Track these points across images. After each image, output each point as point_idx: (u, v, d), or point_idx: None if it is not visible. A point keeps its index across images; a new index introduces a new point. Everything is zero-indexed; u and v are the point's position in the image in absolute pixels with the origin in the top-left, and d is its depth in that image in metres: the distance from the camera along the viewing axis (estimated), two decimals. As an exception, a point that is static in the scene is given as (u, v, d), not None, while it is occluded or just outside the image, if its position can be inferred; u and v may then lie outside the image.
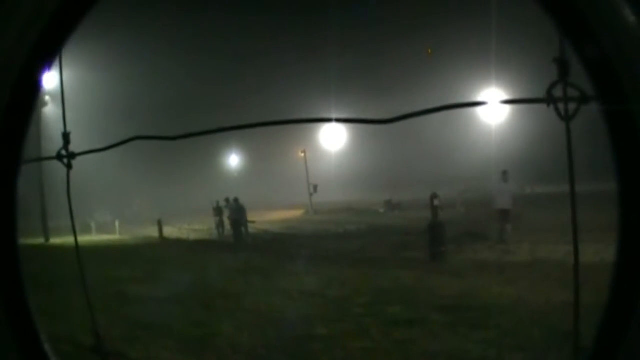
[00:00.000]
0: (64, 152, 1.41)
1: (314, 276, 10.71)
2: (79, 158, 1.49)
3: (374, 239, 18.53)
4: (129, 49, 50.45)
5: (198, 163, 63.65)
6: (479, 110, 40.56)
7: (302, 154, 48.79)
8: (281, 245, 19.13)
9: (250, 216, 22.13)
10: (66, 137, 1.43)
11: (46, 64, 1.30)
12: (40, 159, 1.60)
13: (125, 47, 50.04)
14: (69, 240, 25.11)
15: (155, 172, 60.17)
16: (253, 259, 14.54)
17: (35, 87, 1.32)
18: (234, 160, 70.51)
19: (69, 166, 1.42)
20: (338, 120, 1.37)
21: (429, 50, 55.31)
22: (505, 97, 38.88)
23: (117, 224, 33.27)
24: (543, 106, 1.03)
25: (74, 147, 1.55)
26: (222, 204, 25.32)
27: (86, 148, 1.51)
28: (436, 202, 14.18)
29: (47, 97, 30.14)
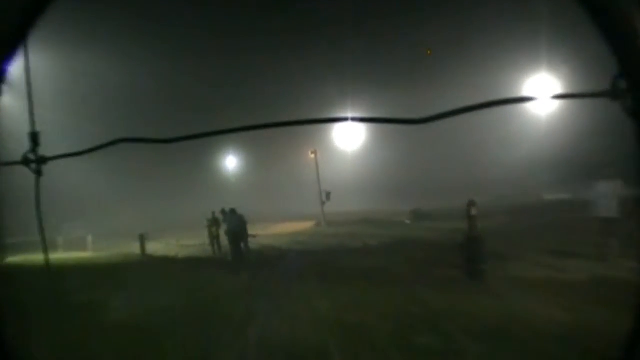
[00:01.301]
0: (31, 156, 1.37)
1: (328, 299, 10.71)
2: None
3: (399, 255, 18.45)
4: (109, 30, 50.95)
5: (188, 166, 63.76)
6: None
7: (312, 155, 48.33)
8: (289, 263, 19.11)
9: (252, 229, 22.06)
10: (35, 137, 1.38)
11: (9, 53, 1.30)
12: (2, 164, 1.49)
13: (104, 28, 50.56)
14: (29, 258, 25.32)
15: (136, 177, 60.41)
16: (255, 280, 14.57)
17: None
18: (231, 162, 70.04)
19: (38, 172, 1.37)
20: (356, 120, 1.42)
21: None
22: (557, 83, 38.81)
23: (89, 239, 33.27)
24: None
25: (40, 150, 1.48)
26: (218, 215, 25.20)
27: (53, 150, 1.44)
28: (474, 211, 14.07)
29: (2, 86, 30.41)
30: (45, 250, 1.58)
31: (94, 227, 39.89)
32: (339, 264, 17.74)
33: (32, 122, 1.44)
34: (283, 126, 1.38)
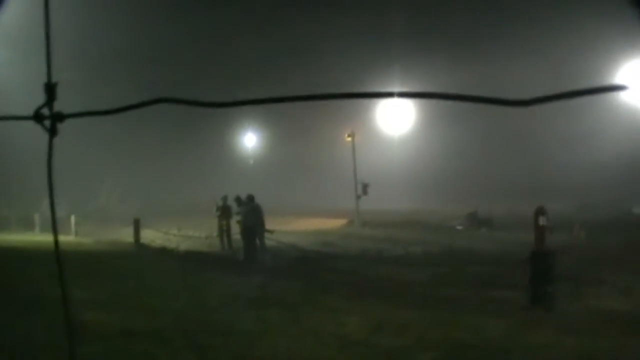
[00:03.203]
0: (45, 112, 1.35)
1: (358, 316, 10.72)
2: (20, 123, 1.44)
3: (448, 268, 18.39)
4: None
5: (200, 142, 63.90)
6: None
7: (349, 139, 47.88)
8: (313, 268, 19.14)
9: (270, 223, 22.01)
10: (51, 90, 1.35)
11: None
12: (8, 118, 1.53)
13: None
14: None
15: (136, 151, 60.81)
16: (271, 286, 14.63)
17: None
18: (249, 140, 69.73)
19: (52, 131, 1.36)
20: (404, 96, 1.33)
21: None
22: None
23: (72, 220, 33.31)
24: None
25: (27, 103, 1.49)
26: (231, 202, 24.92)
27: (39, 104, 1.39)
28: (542, 221, 13.92)
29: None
30: (55, 232, 1.63)
31: (77, 206, 40.13)
32: (373, 273, 17.74)
33: (49, 71, 1.39)
34: (321, 99, 1.38)
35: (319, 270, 18.50)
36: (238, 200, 22.80)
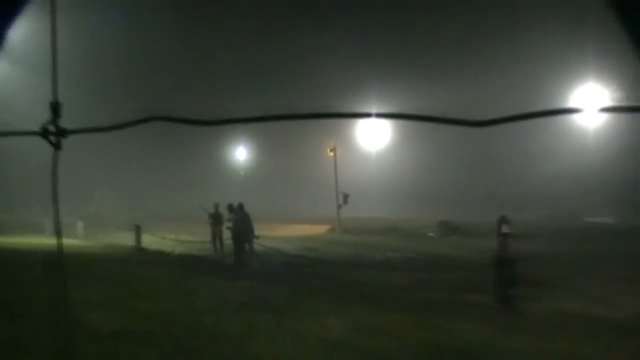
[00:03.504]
0: (51, 128, 1.38)
1: (340, 319, 10.55)
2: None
3: (422, 274, 18.35)
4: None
5: (193, 155, 64.03)
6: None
7: (331, 153, 48.22)
8: (297, 273, 19.03)
9: (259, 230, 21.97)
10: (56, 107, 1.39)
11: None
12: (17, 134, 1.57)
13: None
14: (8, 241, 25.50)
15: (133, 161, 60.79)
16: (259, 290, 14.45)
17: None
18: (240, 154, 70.30)
19: (57, 146, 1.39)
20: (381, 116, 1.43)
21: None
22: (606, 92, 38.71)
23: (80, 225, 33.66)
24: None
25: (32, 118, 1.53)
26: (222, 210, 25.09)
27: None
28: (505, 229, 13.82)
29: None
30: (59, 237, 1.75)
31: (79, 212, 40.12)
32: (354, 278, 17.63)
33: (55, 90, 1.44)
34: (304, 119, 1.42)
35: (303, 275, 18.47)
36: (230, 207, 22.83)
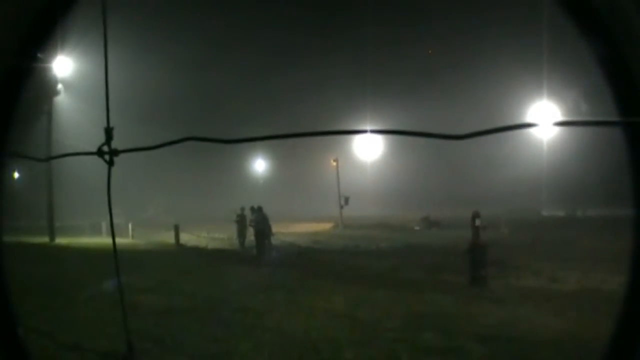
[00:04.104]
0: (105, 148, 1.43)
1: (341, 295, 10.71)
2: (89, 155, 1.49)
3: (408, 259, 18.46)
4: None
5: (221, 166, 64.24)
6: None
7: (334, 163, 48.57)
8: (307, 261, 19.13)
9: (276, 227, 22.20)
10: (109, 132, 1.45)
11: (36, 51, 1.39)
12: (80, 154, 1.60)
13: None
14: (75, 241, 25.61)
15: (173, 174, 61.05)
16: (276, 274, 14.63)
17: (22, 75, 1.41)
18: (260, 165, 70.79)
19: (110, 163, 1.44)
20: (375, 132, 1.43)
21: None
22: (557, 109, 38.53)
23: (130, 226, 33.53)
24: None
25: (88, 141, 1.60)
26: (246, 212, 25.36)
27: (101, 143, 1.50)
28: (478, 222, 14.04)
29: (59, 86, 30.49)
30: (113, 237, 1.74)
31: (132, 216, 40.17)
32: (352, 263, 17.75)
33: (108, 118, 1.51)
34: (311, 135, 1.42)
35: (311, 262, 18.50)
36: (252, 209, 23.08)
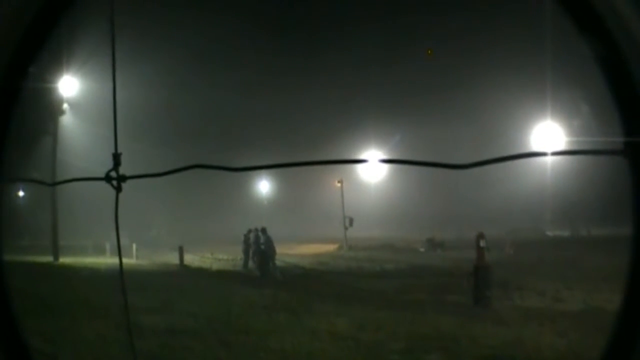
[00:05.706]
0: (113, 174, 1.41)
1: (345, 317, 10.65)
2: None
3: (413, 280, 18.34)
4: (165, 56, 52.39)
5: (225, 187, 64.34)
6: (532, 144, 39.99)
7: (339, 184, 48.68)
8: (311, 282, 19.05)
9: (280, 248, 22.18)
10: (117, 158, 1.43)
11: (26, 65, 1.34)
12: (88, 179, 1.60)
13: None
14: (79, 260, 25.59)
15: (177, 194, 61.16)
16: (280, 295, 14.56)
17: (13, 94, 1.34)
18: (264, 186, 70.81)
19: (118, 189, 1.43)
20: (382, 161, 1.44)
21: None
22: (561, 131, 38.52)
23: (134, 247, 33.46)
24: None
25: (94, 165, 1.57)
26: (251, 234, 25.41)
27: (107, 166, 1.47)
28: (482, 243, 14.03)
29: (65, 105, 30.59)
30: (120, 261, 1.73)
31: (136, 237, 40.17)
32: (357, 285, 17.66)
33: (116, 144, 1.50)
34: (316, 165, 1.48)
35: (315, 283, 18.42)
36: (254, 230, 23.17)
